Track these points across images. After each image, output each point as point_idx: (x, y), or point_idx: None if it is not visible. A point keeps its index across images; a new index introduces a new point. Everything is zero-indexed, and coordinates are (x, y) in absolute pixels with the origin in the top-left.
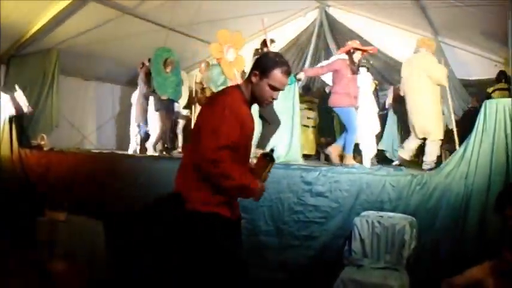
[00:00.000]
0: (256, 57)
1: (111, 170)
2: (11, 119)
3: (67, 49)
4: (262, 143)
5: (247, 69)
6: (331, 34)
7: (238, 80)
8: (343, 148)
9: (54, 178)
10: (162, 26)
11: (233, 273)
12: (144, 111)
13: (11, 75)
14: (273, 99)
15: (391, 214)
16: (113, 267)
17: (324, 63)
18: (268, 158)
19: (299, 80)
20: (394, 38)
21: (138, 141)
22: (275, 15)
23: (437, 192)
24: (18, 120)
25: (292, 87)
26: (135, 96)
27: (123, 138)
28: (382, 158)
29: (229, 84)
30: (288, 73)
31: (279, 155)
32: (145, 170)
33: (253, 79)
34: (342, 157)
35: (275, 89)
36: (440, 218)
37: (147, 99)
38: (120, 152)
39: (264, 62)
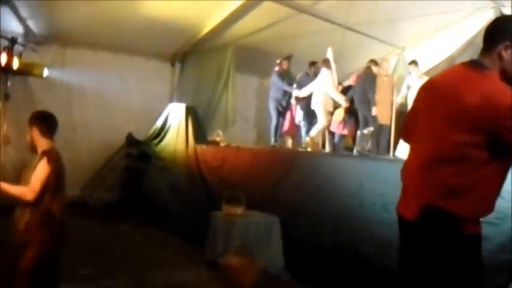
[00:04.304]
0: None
1: (287, 167)
2: (187, 116)
3: (242, 47)
4: None
5: None
6: None
7: None
8: None
9: (228, 173)
10: (337, 25)
11: None
12: None
13: (186, 71)
14: None
15: None
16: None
17: None
18: None
19: None
20: None
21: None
22: (450, 15)
23: None
24: (194, 117)
25: None
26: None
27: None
28: None
29: None
30: None
31: None
32: (321, 168)
33: (504, 54)
34: None
35: None
36: None
37: None
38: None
39: None
